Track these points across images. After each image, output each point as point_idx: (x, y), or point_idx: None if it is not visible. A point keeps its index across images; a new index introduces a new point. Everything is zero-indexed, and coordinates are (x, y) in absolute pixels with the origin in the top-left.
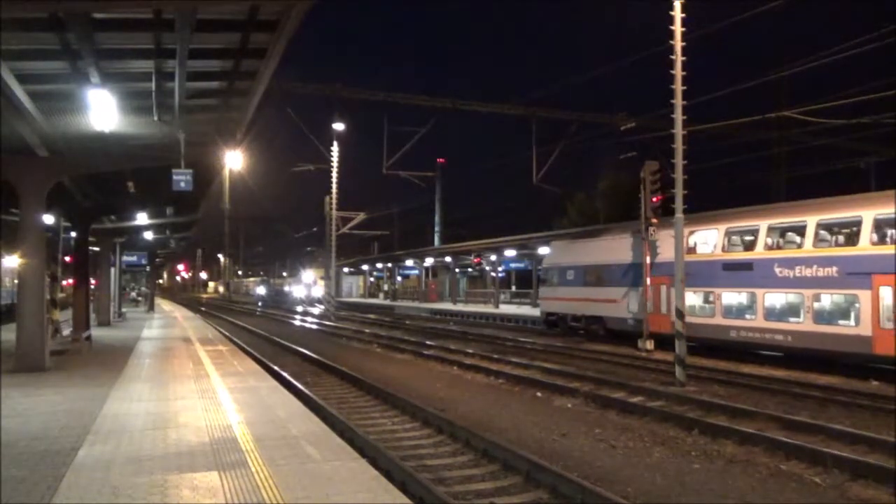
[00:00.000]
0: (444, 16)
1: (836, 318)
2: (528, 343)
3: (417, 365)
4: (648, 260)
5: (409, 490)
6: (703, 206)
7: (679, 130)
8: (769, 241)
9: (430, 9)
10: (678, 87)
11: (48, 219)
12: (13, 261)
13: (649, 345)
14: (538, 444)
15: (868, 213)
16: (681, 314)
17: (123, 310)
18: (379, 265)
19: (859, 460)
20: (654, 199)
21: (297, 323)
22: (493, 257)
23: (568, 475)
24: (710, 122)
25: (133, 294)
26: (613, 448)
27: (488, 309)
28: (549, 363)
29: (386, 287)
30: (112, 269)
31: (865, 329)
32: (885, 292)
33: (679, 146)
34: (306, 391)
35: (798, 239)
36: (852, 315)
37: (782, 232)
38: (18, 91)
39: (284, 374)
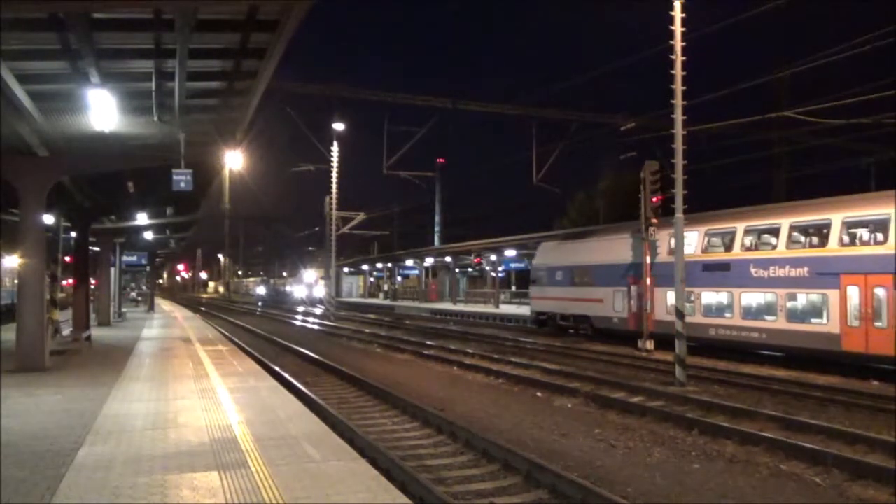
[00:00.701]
0: (444, 16)
1: (808, 316)
2: (528, 343)
3: (417, 365)
4: (647, 260)
5: (409, 490)
6: (704, 206)
7: (679, 130)
8: (746, 242)
9: (430, 8)
10: (678, 87)
11: (48, 219)
12: (13, 261)
13: (649, 345)
14: (538, 443)
15: (837, 216)
16: (681, 314)
17: (123, 310)
18: (379, 265)
19: (859, 460)
20: (655, 199)
21: (297, 323)
22: (493, 257)
23: (568, 475)
24: (710, 122)
25: (133, 294)
26: (613, 448)
27: (488, 309)
28: (549, 363)
29: (386, 287)
30: (112, 269)
31: (834, 327)
32: (852, 291)
33: (679, 146)
34: (306, 391)
35: (773, 241)
36: (823, 313)
37: (758, 234)
38: (18, 91)
39: (284, 375)
